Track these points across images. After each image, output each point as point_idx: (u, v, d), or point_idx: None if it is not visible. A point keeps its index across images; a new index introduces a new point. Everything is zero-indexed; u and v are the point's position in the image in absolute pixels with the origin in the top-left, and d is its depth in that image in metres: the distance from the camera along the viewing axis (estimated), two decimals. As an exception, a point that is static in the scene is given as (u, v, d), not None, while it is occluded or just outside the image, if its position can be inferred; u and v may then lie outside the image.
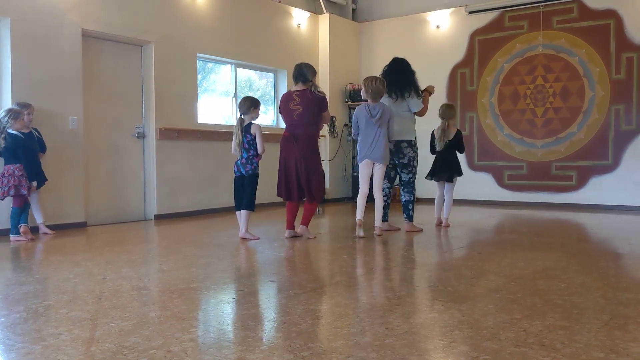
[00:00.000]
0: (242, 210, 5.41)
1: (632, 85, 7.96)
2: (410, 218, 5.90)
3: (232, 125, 8.47)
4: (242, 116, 5.38)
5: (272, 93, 9.32)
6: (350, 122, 9.02)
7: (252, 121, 5.36)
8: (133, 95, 7.20)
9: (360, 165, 5.57)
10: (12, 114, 5.48)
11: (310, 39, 9.68)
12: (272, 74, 9.28)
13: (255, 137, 5.31)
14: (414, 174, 5.86)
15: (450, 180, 6.28)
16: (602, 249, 5.16)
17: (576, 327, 2.58)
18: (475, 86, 9.14)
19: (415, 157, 5.85)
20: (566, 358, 2.18)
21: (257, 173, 5.43)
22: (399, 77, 5.82)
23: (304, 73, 5.46)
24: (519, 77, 8.80)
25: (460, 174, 6.31)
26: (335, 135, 9.75)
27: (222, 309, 3.07)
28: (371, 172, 5.57)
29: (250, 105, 5.37)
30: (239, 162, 5.40)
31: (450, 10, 9.35)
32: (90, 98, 6.68)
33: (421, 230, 5.91)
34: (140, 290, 3.42)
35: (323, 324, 2.68)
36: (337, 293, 3.27)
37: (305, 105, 5.34)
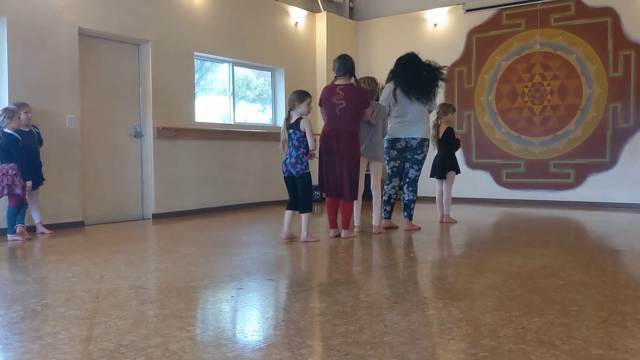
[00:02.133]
0: (301, 214, 5.06)
1: (630, 83, 7.97)
2: (410, 217, 5.90)
3: (230, 124, 8.51)
4: (290, 112, 5.02)
5: (270, 92, 9.31)
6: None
7: (302, 116, 4.99)
8: (130, 94, 7.19)
9: None
10: (8, 113, 5.45)
11: (307, 37, 9.67)
12: (270, 73, 9.26)
13: (305, 133, 4.95)
14: (421, 171, 5.88)
15: (443, 177, 6.32)
16: (600, 246, 5.16)
17: (574, 324, 2.58)
18: (473, 84, 9.14)
19: (426, 155, 5.88)
20: (565, 355, 2.18)
21: (309, 172, 5.04)
22: (429, 78, 5.77)
23: (350, 66, 5.30)
24: (516, 75, 8.80)
25: (454, 169, 6.33)
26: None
27: (220, 308, 3.06)
28: (364, 169, 5.58)
29: (295, 99, 4.97)
30: (287, 161, 5.02)
31: (447, 8, 9.35)
32: (87, 97, 6.66)
33: (419, 229, 5.91)
34: (138, 289, 3.42)
35: (321, 322, 2.67)
36: (336, 291, 3.27)
37: (349, 100, 5.17)
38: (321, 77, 9.71)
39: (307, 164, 5.01)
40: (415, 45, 9.58)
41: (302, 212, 5.05)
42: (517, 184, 8.80)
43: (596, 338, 2.38)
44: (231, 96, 8.53)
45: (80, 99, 6.46)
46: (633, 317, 2.71)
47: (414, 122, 5.73)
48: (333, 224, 5.39)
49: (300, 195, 5.05)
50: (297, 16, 9.38)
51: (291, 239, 5.16)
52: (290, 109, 5.01)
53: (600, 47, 8.16)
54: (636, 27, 7.89)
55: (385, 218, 5.95)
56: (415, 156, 5.79)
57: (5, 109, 5.50)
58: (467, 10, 9.13)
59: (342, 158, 5.15)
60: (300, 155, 4.97)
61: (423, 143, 5.79)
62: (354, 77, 5.36)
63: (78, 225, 6.41)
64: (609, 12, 8.07)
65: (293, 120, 4.98)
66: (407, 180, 5.86)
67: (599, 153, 8.21)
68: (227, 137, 8.19)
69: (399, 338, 2.41)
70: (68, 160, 6.33)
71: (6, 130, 5.46)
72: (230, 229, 6.18)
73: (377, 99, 5.81)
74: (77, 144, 6.43)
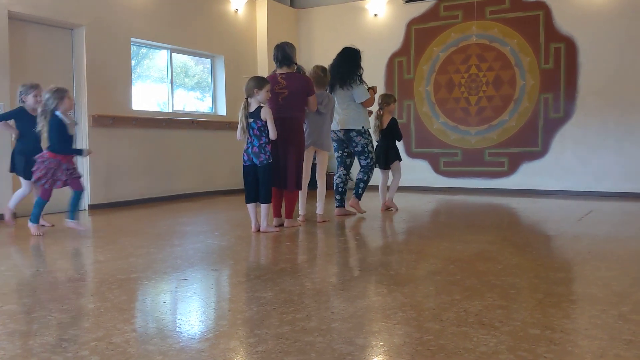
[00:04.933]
0: (261, 205, 4.99)
1: (560, 75, 8.30)
2: (358, 196, 6.05)
3: (169, 112, 8.33)
4: (248, 99, 4.87)
5: (209, 79, 9.16)
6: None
7: (261, 105, 4.87)
8: (63, 81, 6.89)
9: (305, 151, 5.51)
10: (59, 93, 4.85)
11: (248, 24, 9.57)
12: (209, 60, 9.11)
13: (266, 122, 4.85)
14: (372, 158, 5.97)
15: (387, 167, 6.43)
16: (533, 231, 5.38)
17: (513, 306, 2.68)
18: (412, 75, 9.30)
19: (368, 143, 5.93)
20: (505, 336, 2.27)
21: (272, 162, 4.96)
22: (343, 67, 5.88)
23: (289, 56, 5.31)
24: (453, 66, 9.00)
25: (397, 158, 6.46)
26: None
27: (164, 299, 3.01)
28: (311, 159, 5.65)
29: (254, 86, 4.82)
30: (249, 150, 4.90)
31: (387, -2, 9.45)
32: (17, 84, 6.34)
33: (364, 212, 6.05)
34: (77, 281, 3.31)
35: (268, 311, 2.67)
36: (282, 280, 3.27)
37: (291, 88, 5.19)
38: (262, 65, 9.63)
39: (270, 154, 4.94)
40: (356, 35, 9.66)
41: (262, 202, 4.98)
42: (455, 172, 9.03)
43: (533, 319, 2.49)
44: (169, 84, 8.34)
45: (10, 86, 6.17)
46: (567, 299, 2.85)
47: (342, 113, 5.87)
48: (277, 213, 5.38)
49: (260, 185, 4.97)
50: (237, 3, 9.25)
51: (261, 231, 5.03)
52: (248, 95, 4.87)
53: (532, 40, 8.45)
54: (566, 20, 8.21)
55: (337, 207, 6.05)
56: (355, 149, 5.92)
57: (57, 89, 4.88)
58: (407, 1, 9.25)
59: (286, 147, 5.15)
60: (263, 145, 4.88)
61: (349, 134, 5.88)
62: (296, 64, 5.36)
63: (9, 217, 6.13)
64: (542, 6, 8.36)
65: (252, 108, 4.87)
66: (361, 167, 6.00)
67: (531, 142, 8.53)
68: (166, 126, 8.01)
69: (346, 324, 2.44)
70: (-3, 149, 6.05)
71: (57, 113, 4.88)
72: (171, 220, 6.06)
73: (329, 90, 5.85)
74: (6, 133, 6.13)
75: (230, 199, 8.12)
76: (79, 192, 5.05)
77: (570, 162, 8.26)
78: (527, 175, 8.54)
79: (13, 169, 5.49)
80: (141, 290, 3.17)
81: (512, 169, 8.67)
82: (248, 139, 4.91)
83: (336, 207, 6.07)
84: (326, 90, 5.74)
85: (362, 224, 5.63)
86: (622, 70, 7.89)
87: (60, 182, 4.93)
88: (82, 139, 7.01)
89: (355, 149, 5.93)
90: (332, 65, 5.95)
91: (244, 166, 5.01)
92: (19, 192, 5.44)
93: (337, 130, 5.92)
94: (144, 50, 8.19)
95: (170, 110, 8.35)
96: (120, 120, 7.34)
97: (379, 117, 6.40)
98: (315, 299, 2.87)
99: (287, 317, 2.55)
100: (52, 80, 6.72)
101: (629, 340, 2.21)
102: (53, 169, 4.86)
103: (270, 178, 5.00)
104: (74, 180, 5.01)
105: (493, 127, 8.77)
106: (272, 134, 4.86)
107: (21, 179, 5.41)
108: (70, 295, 3.00)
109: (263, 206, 5.00)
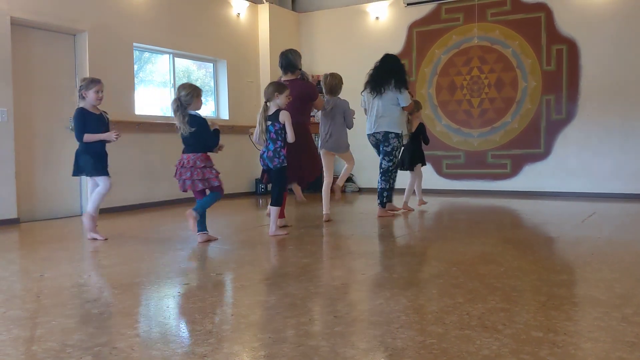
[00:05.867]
0: (270, 208, 5.02)
1: (562, 76, 8.30)
2: (382, 204, 6.21)
3: (172, 117, 8.31)
4: (267, 103, 4.93)
5: (212, 83, 9.18)
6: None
7: (280, 108, 4.91)
8: (66, 87, 6.93)
9: (321, 154, 5.86)
10: (194, 90, 4.66)
11: (249, 28, 9.59)
12: (212, 64, 9.14)
13: (284, 125, 4.87)
14: (394, 162, 6.14)
15: (411, 168, 6.79)
16: (536, 233, 5.38)
17: (515, 309, 2.69)
18: (414, 77, 9.30)
19: (398, 147, 6.14)
20: (507, 339, 2.27)
21: (285, 166, 4.96)
22: (390, 72, 6.06)
23: (292, 63, 5.53)
24: (455, 68, 9.01)
25: (421, 162, 6.80)
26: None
27: (167, 304, 3.02)
28: (332, 162, 6.03)
29: (275, 90, 4.88)
30: (264, 155, 4.94)
31: (388, 2, 9.46)
32: (20, 89, 6.39)
33: (393, 215, 6.26)
34: (81, 287, 3.33)
35: (272, 315, 2.68)
36: (285, 283, 3.28)
37: (296, 94, 5.29)
38: (264, 69, 9.66)
39: (285, 158, 4.94)
40: (358, 38, 9.69)
41: (272, 204, 4.99)
42: (457, 174, 9.03)
43: (536, 322, 2.49)
44: (172, 88, 8.36)
45: (12, 91, 6.19)
46: (569, 301, 2.85)
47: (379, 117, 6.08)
48: (282, 214, 5.43)
49: (272, 188, 5.02)
50: (239, 7, 9.28)
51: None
52: (267, 99, 4.92)
53: (534, 42, 8.46)
54: (568, 22, 8.22)
55: (387, 202, 6.26)
56: (385, 148, 6.09)
57: (195, 87, 4.72)
58: (408, 4, 9.26)
59: (289, 150, 5.16)
60: (278, 149, 4.90)
61: (388, 135, 6.04)
62: (300, 70, 5.55)
63: (13, 223, 6.15)
64: (543, 7, 8.36)
65: (271, 111, 4.90)
66: (380, 170, 6.16)
67: (533, 144, 8.52)
68: (169, 130, 8.01)
69: (349, 328, 2.45)
70: (0, 155, 6.06)
71: (191, 112, 4.71)
72: (174, 224, 6.08)
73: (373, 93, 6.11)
74: (9, 138, 6.16)
75: (233, 202, 8.13)
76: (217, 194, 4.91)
77: (573, 164, 8.26)
78: (530, 177, 8.54)
79: (79, 172, 5.09)
80: (145, 295, 3.18)
81: (515, 170, 8.66)
82: (264, 142, 4.94)
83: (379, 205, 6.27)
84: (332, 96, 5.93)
85: (363, 227, 5.63)
86: (624, 71, 7.89)
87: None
88: (85, 144, 7.02)
89: (386, 149, 6.08)
90: (377, 70, 6.14)
91: (263, 170, 5.13)
92: (100, 191, 5.03)
93: (376, 133, 6.09)
94: (146, 55, 8.22)
95: (173, 115, 8.36)
96: (123, 125, 7.35)
97: (409, 122, 6.63)
98: (319, 302, 2.87)
99: (291, 321, 2.56)
100: (54, 86, 6.77)
101: (632, 342, 2.21)
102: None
103: (283, 182, 5.04)
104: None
105: (495, 129, 8.77)
106: (290, 137, 4.88)
107: (95, 178, 5.06)
108: (74, 300, 3.02)
109: (272, 209, 5.00)
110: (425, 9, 9.18)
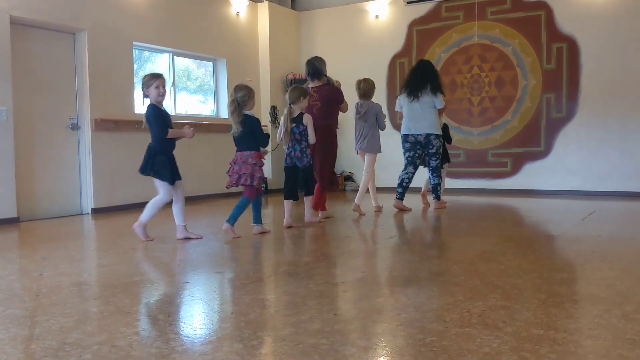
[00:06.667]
0: (305, 198, 5.57)
1: (562, 75, 8.29)
2: (438, 197, 6.74)
3: (171, 115, 8.29)
4: (291, 106, 5.29)
5: (212, 83, 9.18)
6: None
7: (303, 111, 5.34)
8: (66, 85, 6.94)
9: (357, 154, 6.60)
10: (249, 92, 4.82)
11: (249, 27, 9.58)
12: (211, 63, 9.13)
13: (307, 127, 5.30)
14: (440, 159, 6.64)
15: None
16: (536, 232, 5.37)
17: (516, 307, 2.68)
18: (414, 76, 9.28)
19: (440, 146, 6.60)
20: (508, 336, 2.26)
21: (312, 163, 5.49)
22: (428, 77, 6.50)
23: (319, 70, 5.95)
24: (456, 66, 9.00)
25: (447, 160, 7.07)
26: (277, 125, 9.64)
27: (166, 302, 3.01)
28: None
29: (299, 94, 5.28)
30: (292, 154, 5.35)
31: (388, 0, 9.45)
32: (20, 88, 6.39)
33: (445, 207, 6.78)
34: (80, 285, 3.32)
35: (272, 313, 2.67)
36: (285, 282, 3.27)
37: (323, 100, 5.84)
38: (264, 67, 9.65)
39: (311, 156, 5.40)
40: (358, 37, 9.68)
41: (306, 195, 5.55)
42: (458, 173, 9.01)
43: (536, 319, 2.48)
44: (172, 87, 8.36)
45: (12, 90, 6.19)
46: (569, 299, 2.84)
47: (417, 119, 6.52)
48: (323, 207, 6.01)
49: (305, 182, 5.47)
50: (238, 6, 9.27)
51: (291, 227, 5.39)
52: (291, 102, 5.29)
53: (534, 40, 8.44)
54: (568, 20, 8.20)
55: (397, 199, 6.63)
56: (430, 150, 6.53)
57: (251, 88, 4.89)
58: (408, 3, 9.25)
59: (318, 151, 5.71)
60: (304, 148, 5.32)
61: (430, 137, 6.48)
62: (326, 77, 5.99)
63: (13, 222, 6.15)
64: (543, 5, 8.35)
65: (296, 114, 5.31)
66: (430, 169, 6.65)
67: (534, 142, 8.51)
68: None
69: (349, 326, 2.44)
70: (0, 154, 6.06)
71: (246, 112, 4.87)
72: (173, 223, 6.05)
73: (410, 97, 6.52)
74: (9, 137, 6.16)
75: (233, 201, 8.10)
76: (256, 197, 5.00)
77: (573, 162, 8.25)
78: (530, 176, 8.53)
79: (152, 173, 4.83)
80: (144, 294, 3.18)
81: (515, 169, 8.65)
82: (289, 143, 5.33)
83: (396, 198, 6.63)
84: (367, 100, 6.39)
85: (362, 226, 5.63)
86: (624, 69, 7.88)
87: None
88: (84, 143, 7.03)
89: (430, 151, 6.52)
90: (414, 75, 6.57)
91: (286, 167, 5.47)
92: (161, 200, 4.80)
93: (417, 134, 6.49)
94: (146, 54, 8.21)
95: (173, 114, 8.35)
96: (122, 124, 7.36)
97: None
98: (319, 300, 2.86)
99: (291, 319, 2.55)
100: (54, 85, 6.76)
101: (633, 340, 2.21)
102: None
103: (313, 176, 5.61)
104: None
105: (496, 128, 8.76)
106: (312, 139, 5.31)
107: (161, 185, 4.81)
108: (73, 299, 3.01)
109: (306, 199, 5.58)
110: (425, 7, 9.17)
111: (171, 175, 4.77)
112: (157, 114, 4.75)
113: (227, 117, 8.92)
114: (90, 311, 2.77)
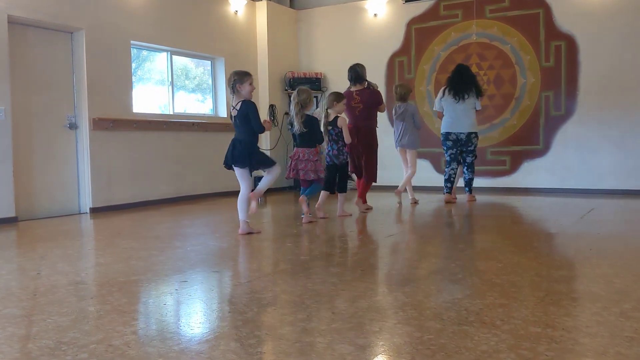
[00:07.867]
0: (339, 194, 6.04)
1: (561, 73, 8.28)
2: (470, 191, 7.37)
3: (169, 115, 8.32)
4: (328, 110, 5.87)
5: (210, 81, 9.16)
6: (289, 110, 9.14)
7: (338, 115, 5.85)
8: (64, 85, 6.93)
9: (398, 151, 7.26)
10: (311, 95, 5.63)
11: (248, 26, 9.57)
12: (210, 62, 9.12)
13: (342, 129, 5.78)
14: (476, 156, 7.27)
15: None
16: (535, 229, 5.37)
17: (514, 305, 2.67)
18: (413, 74, 9.28)
19: (477, 144, 7.24)
20: (505, 334, 2.26)
21: (348, 161, 6.09)
22: (470, 80, 7.11)
23: (360, 75, 6.41)
24: (454, 65, 8.96)
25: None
26: (276, 124, 9.67)
27: (164, 301, 3.00)
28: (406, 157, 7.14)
29: (334, 99, 5.84)
30: (330, 153, 5.90)
31: (387, -2, 9.44)
32: (18, 88, 6.37)
33: (474, 200, 7.31)
34: (77, 284, 3.31)
35: (269, 312, 2.67)
36: (282, 280, 3.26)
37: (365, 102, 6.34)
38: (262, 66, 9.64)
39: (347, 155, 5.98)
40: (356, 35, 9.67)
41: (340, 191, 6.03)
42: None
43: (534, 317, 2.48)
44: (170, 86, 8.35)
45: (10, 90, 6.18)
46: (568, 296, 2.84)
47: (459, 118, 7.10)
48: (365, 199, 6.57)
49: (340, 179, 5.98)
50: (236, 4, 9.25)
51: (315, 219, 5.73)
52: (328, 107, 5.88)
53: (533, 38, 8.43)
54: (567, 18, 8.19)
55: (446, 193, 7.26)
56: (469, 148, 7.14)
57: (305, 90, 5.63)
58: (406, 1, 9.24)
59: (360, 149, 6.31)
60: (341, 147, 5.86)
61: (470, 136, 7.10)
62: (366, 81, 6.45)
63: (11, 221, 6.14)
64: (541, 4, 8.34)
65: (332, 117, 5.84)
66: (466, 164, 7.26)
67: (532, 140, 8.51)
68: (167, 128, 8.01)
69: (347, 324, 2.43)
70: (-2, 153, 6.06)
71: (307, 113, 5.64)
72: (172, 222, 6.06)
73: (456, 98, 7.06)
74: (7, 137, 6.15)
75: (231, 200, 8.09)
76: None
77: (572, 160, 8.24)
78: (529, 174, 8.52)
79: (264, 163, 5.01)
80: (141, 293, 3.17)
81: (514, 167, 8.65)
82: (327, 143, 5.89)
83: (445, 192, 7.26)
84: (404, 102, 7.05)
85: (367, 222, 5.63)
86: (623, 67, 7.87)
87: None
88: (82, 142, 7.02)
89: (469, 148, 7.15)
90: (459, 78, 7.09)
91: (327, 165, 5.98)
92: (243, 196, 4.93)
93: (460, 133, 7.07)
94: (144, 53, 8.20)
95: (171, 113, 8.36)
96: (120, 123, 7.35)
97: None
98: (316, 299, 2.86)
99: (288, 317, 2.55)
100: (52, 84, 6.75)
101: (631, 337, 2.20)
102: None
103: (347, 173, 6.12)
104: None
105: (495, 126, 8.75)
106: (347, 139, 5.82)
107: (268, 170, 5.02)
108: (70, 298, 3.00)
109: (340, 195, 6.06)
110: (424, 5, 9.16)
111: (268, 161, 5.11)
112: (256, 109, 4.97)
113: (225, 116, 9.01)
114: (87, 310, 2.76)
